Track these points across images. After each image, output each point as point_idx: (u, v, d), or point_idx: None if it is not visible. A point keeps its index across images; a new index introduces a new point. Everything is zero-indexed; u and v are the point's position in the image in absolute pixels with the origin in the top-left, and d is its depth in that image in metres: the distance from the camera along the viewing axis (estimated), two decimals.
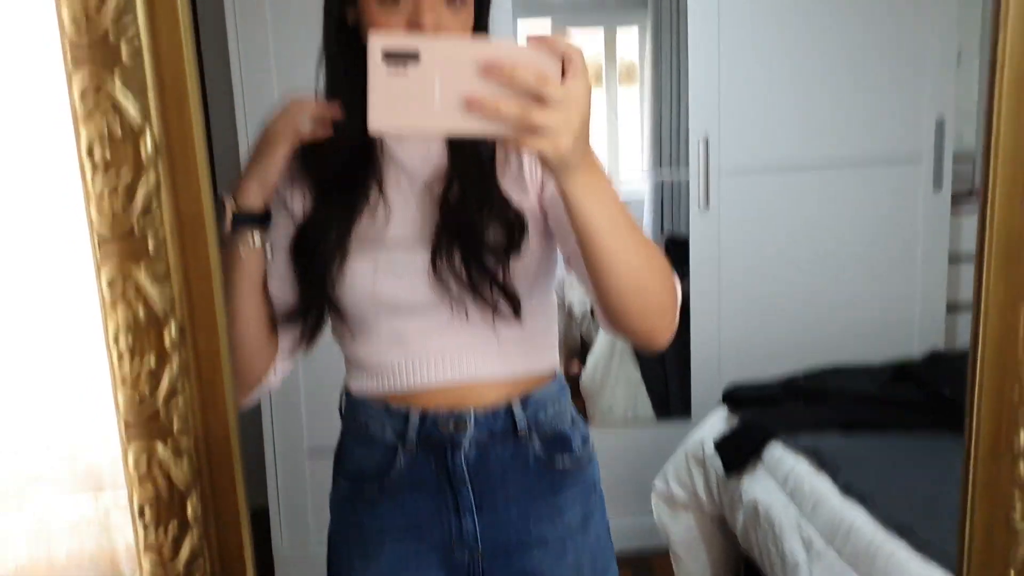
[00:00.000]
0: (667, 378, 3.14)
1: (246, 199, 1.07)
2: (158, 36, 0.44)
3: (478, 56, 0.77)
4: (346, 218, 1.12)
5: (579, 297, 3.54)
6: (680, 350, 2.93)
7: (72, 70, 0.44)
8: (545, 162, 0.83)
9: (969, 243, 2.94)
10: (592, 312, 3.39)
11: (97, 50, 0.44)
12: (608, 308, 1.00)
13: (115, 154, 0.47)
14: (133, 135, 0.46)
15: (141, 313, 0.49)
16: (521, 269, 1.11)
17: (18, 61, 0.46)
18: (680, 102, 3.14)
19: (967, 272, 2.94)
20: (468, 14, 1.05)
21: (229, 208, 1.06)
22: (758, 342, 2.86)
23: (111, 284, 0.49)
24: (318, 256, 1.11)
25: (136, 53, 0.44)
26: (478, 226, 1.08)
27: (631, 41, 3.52)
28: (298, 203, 1.16)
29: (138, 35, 0.44)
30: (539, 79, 0.78)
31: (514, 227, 1.09)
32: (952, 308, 2.93)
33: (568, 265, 1.12)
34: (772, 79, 2.74)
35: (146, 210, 0.48)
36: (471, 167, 1.11)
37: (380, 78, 0.76)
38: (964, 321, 2.97)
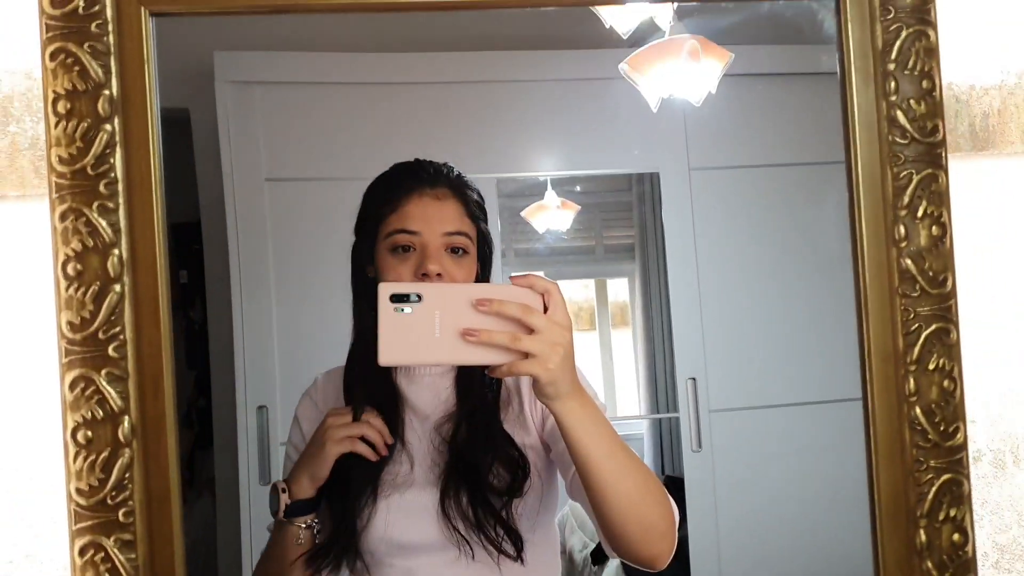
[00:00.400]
0: None
1: (300, 491, 1.15)
2: (141, 333, 0.52)
3: (471, 294, 0.89)
4: (376, 464, 1.19)
5: (579, 542, 3.48)
6: None
7: (65, 367, 0.52)
8: (538, 388, 0.92)
9: None
10: (593, 558, 3.33)
11: (88, 348, 0.52)
12: (609, 532, 1.05)
13: (96, 435, 0.53)
14: (113, 418, 0.53)
15: None
16: (524, 507, 1.17)
17: (17, 358, 0.53)
18: (670, 346, 3.24)
19: None
20: (471, 264, 1.21)
21: (283, 500, 1.15)
22: None
23: (83, 550, 0.54)
24: (349, 501, 1.17)
25: (121, 347, 0.52)
26: (484, 467, 1.14)
27: (622, 289, 3.67)
28: None
29: (124, 331, 0.52)
30: (523, 310, 0.90)
31: (517, 467, 1.17)
32: None
33: (571, 494, 1.17)
34: (753, 322, 2.84)
35: (120, 484, 0.54)
36: (477, 409, 1.19)
37: (388, 318, 0.88)
38: None
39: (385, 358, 0.88)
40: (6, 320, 0.55)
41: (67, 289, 0.51)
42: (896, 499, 0.57)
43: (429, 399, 1.24)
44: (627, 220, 3.67)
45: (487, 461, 1.18)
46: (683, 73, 1.92)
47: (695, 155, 2.85)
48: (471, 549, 1.17)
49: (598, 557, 3.35)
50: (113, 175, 0.51)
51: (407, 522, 1.17)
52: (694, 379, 2.84)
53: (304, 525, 1.16)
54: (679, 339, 2.86)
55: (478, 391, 1.23)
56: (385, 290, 0.90)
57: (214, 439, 3.24)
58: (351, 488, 1.18)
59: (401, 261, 1.20)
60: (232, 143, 2.57)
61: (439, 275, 1.16)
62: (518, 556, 1.18)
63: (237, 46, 2.60)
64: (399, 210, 1.22)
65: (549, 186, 3.39)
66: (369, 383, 1.23)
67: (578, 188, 3.42)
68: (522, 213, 3.55)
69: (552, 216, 3.47)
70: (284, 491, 1.17)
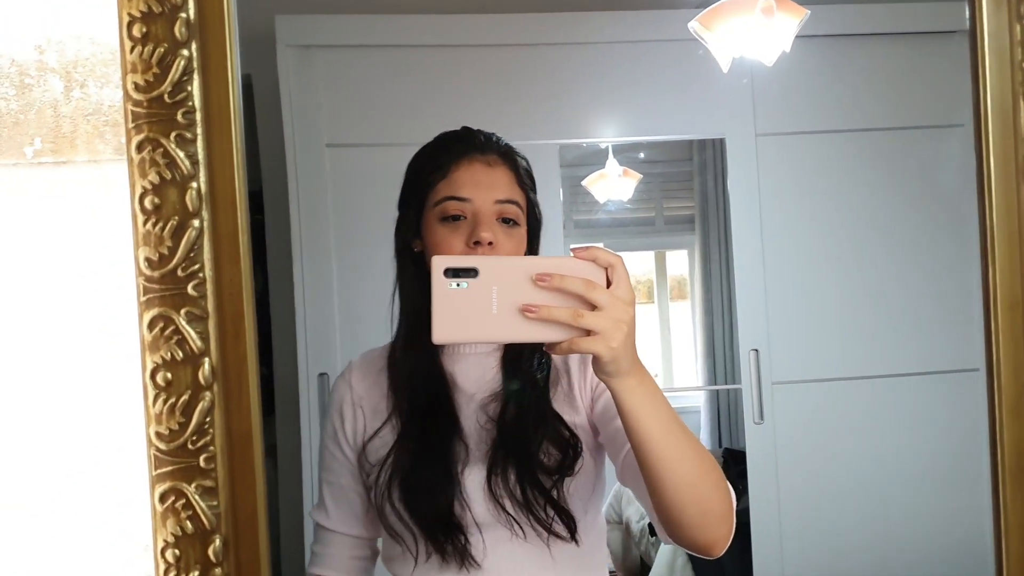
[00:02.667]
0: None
1: None
2: (221, 271, 0.50)
3: (530, 268, 0.84)
4: (437, 445, 1.15)
5: (636, 513, 3.46)
6: (743, 570, 2.81)
7: (144, 306, 0.50)
8: (598, 366, 0.87)
9: None
10: (651, 529, 3.31)
11: (167, 286, 0.50)
12: (665, 518, 0.99)
13: (176, 377, 0.52)
14: (193, 360, 0.51)
15: (189, 526, 0.53)
16: (575, 488, 1.13)
17: (93, 296, 0.52)
18: (732, 318, 3.19)
19: None
20: (521, 235, 1.15)
21: None
22: (823, 564, 2.74)
23: (163, 497, 0.52)
24: (411, 482, 1.14)
25: (200, 285, 0.50)
26: (533, 445, 1.11)
27: (681, 261, 3.63)
28: (360, 429, 1.22)
29: (203, 269, 0.50)
30: (586, 285, 0.84)
31: (568, 446, 1.12)
32: None
33: (623, 479, 1.13)
34: (818, 293, 2.78)
35: (200, 428, 0.52)
36: (526, 387, 1.15)
37: (442, 294, 0.82)
38: None
39: (440, 335, 0.82)
40: (84, 260, 0.54)
41: (144, 224, 0.50)
42: (1020, 458, 0.53)
43: (475, 378, 1.19)
44: (688, 190, 3.61)
45: (536, 439, 1.12)
46: (756, 30, 1.85)
47: (762, 120, 2.78)
48: (522, 530, 1.11)
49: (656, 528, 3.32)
50: (191, 104, 0.49)
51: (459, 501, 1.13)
52: (757, 351, 2.79)
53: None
54: (742, 310, 2.81)
55: (526, 368, 1.18)
56: (439, 264, 0.83)
57: (275, 406, 3.29)
58: (425, 476, 1.15)
59: (452, 231, 1.11)
60: (293, 109, 2.57)
61: (491, 244, 1.11)
62: (572, 536, 1.12)
63: (298, 10, 2.59)
64: (449, 176, 1.14)
65: (610, 154, 3.35)
66: (412, 363, 1.19)
67: (642, 155, 3.37)
68: (583, 182, 3.52)
69: (613, 185, 3.42)
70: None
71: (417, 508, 1.12)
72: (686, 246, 3.55)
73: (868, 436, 2.77)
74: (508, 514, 1.11)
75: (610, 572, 2.31)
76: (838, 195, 2.78)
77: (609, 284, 0.86)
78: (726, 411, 3.53)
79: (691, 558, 2.85)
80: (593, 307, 0.84)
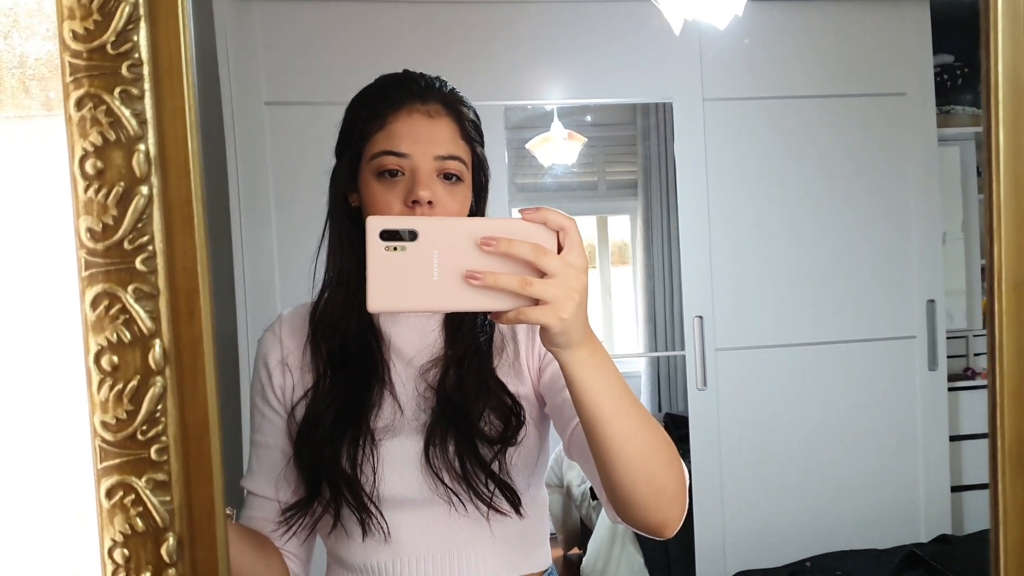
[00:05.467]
0: (671, 564, 3.03)
1: None
2: (173, 243, 0.45)
3: (475, 231, 0.78)
4: (360, 410, 1.08)
5: (578, 476, 3.48)
6: (684, 535, 2.85)
7: (86, 282, 0.45)
8: (547, 337, 0.81)
9: (969, 422, 2.92)
10: (592, 493, 3.32)
11: (113, 260, 0.45)
12: (614, 497, 0.93)
13: (123, 360, 0.47)
14: (142, 342, 0.46)
15: (140, 524, 0.48)
16: (518, 460, 1.06)
17: (31, 269, 0.47)
18: (673, 284, 3.20)
19: (969, 451, 2.91)
20: (465, 193, 1.07)
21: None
22: (763, 525, 2.79)
23: (109, 492, 0.47)
24: (327, 448, 1.06)
25: (150, 259, 0.45)
26: (474, 414, 1.05)
27: (623, 226, 3.62)
28: (288, 386, 1.13)
29: (153, 241, 0.45)
30: (536, 251, 0.77)
31: (511, 415, 1.06)
32: (956, 488, 2.88)
33: (569, 453, 1.08)
34: (762, 260, 2.80)
35: (151, 417, 0.47)
36: (468, 353, 1.08)
37: (378, 258, 0.75)
38: (970, 501, 2.92)
39: (375, 304, 0.76)
40: (15, 228, 0.48)
41: (86, 190, 0.44)
42: (1022, 444, 0.52)
43: (415, 341, 1.11)
44: (631, 155, 3.60)
45: (477, 407, 1.04)
46: None
47: (710, 85, 2.77)
48: (462, 504, 1.04)
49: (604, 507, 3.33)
50: (137, 55, 0.44)
51: (392, 473, 1.05)
52: (701, 317, 2.80)
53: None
54: (687, 277, 2.81)
55: (468, 333, 1.11)
56: (375, 225, 0.76)
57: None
58: (339, 432, 1.07)
59: (388, 188, 1.03)
60: (231, 65, 2.48)
61: (430, 203, 1.02)
62: (516, 511, 1.06)
63: None
64: (386, 127, 1.04)
65: (556, 116, 3.31)
66: (344, 321, 1.11)
67: (588, 118, 3.34)
68: (527, 145, 3.47)
69: (558, 149, 3.39)
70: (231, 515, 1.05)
71: (336, 477, 1.05)
72: (628, 211, 3.54)
73: (808, 401, 2.81)
74: (446, 486, 1.04)
75: (551, 535, 2.30)
76: (784, 162, 2.79)
77: (560, 249, 0.80)
78: (667, 376, 3.55)
79: None
80: (543, 274, 0.78)
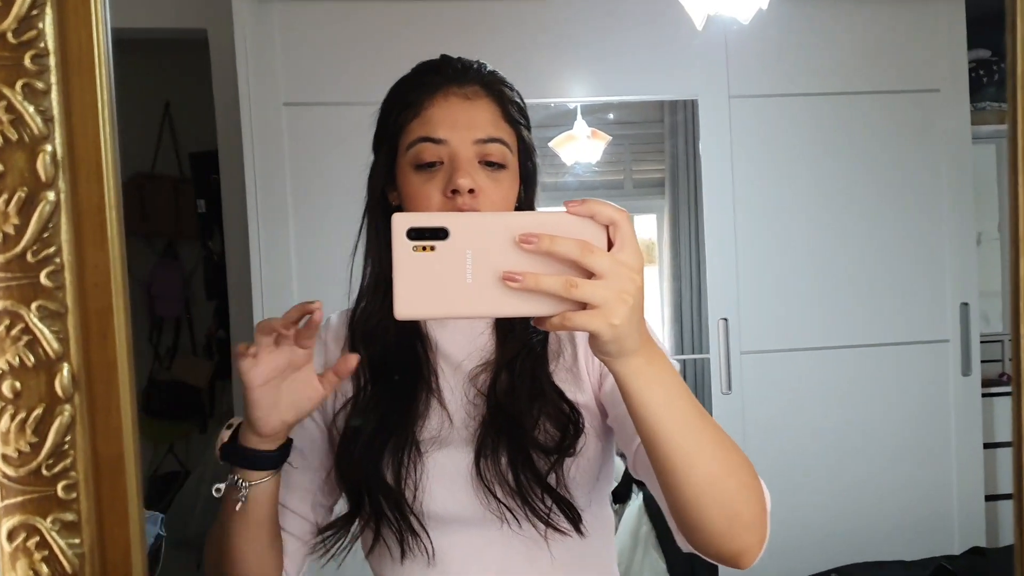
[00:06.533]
0: (694, 572, 2.97)
1: (244, 436, 0.93)
2: (83, 256, 0.40)
3: (512, 227, 0.69)
4: (404, 420, 0.99)
5: None
6: None
7: None
8: (597, 344, 0.71)
9: (1005, 429, 2.83)
10: (613, 496, 3.26)
11: (14, 273, 0.40)
12: (683, 524, 0.82)
13: (26, 386, 0.42)
14: (48, 366, 0.42)
15: (45, 569, 0.43)
16: (577, 473, 0.97)
17: None
18: (701, 284, 3.14)
19: (1004, 459, 2.82)
20: (511, 181, 0.99)
21: (221, 435, 0.94)
22: (788, 534, 2.71)
23: (11, 534, 0.43)
24: (368, 460, 0.97)
25: (57, 273, 0.40)
26: (527, 421, 0.95)
27: (650, 225, 3.56)
28: (329, 397, 1.01)
29: (60, 253, 0.40)
30: (582, 248, 0.68)
31: (568, 423, 0.96)
32: (991, 497, 2.79)
33: (635, 470, 0.95)
34: (789, 261, 2.73)
35: (57, 450, 0.42)
36: (520, 356, 0.99)
37: (405, 260, 0.68)
38: (1005, 511, 2.82)
39: (403, 310, 0.69)
40: None
41: None
42: None
43: (463, 344, 1.02)
44: (658, 152, 3.53)
45: (531, 414, 0.95)
46: None
47: (736, 82, 2.69)
48: (517, 521, 0.95)
49: (620, 495, 3.29)
50: (42, 45, 0.39)
51: (439, 487, 0.96)
52: (726, 319, 2.74)
53: (240, 481, 0.92)
54: (712, 278, 2.74)
55: (521, 335, 0.99)
56: (401, 223, 0.69)
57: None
58: (381, 443, 0.97)
59: (427, 179, 0.95)
60: (250, 65, 2.46)
61: (471, 192, 0.93)
62: (576, 528, 0.95)
63: None
64: (422, 114, 0.97)
65: (579, 114, 3.25)
66: (384, 328, 1.03)
67: (611, 116, 3.27)
68: (550, 144, 3.41)
69: (581, 147, 3.33)
70: (229, 427, 0.94)
71: (376, 490, 0.96)
72: (655, 210, 3.47)
73: (836, 407, 2.73)
74: (499, 501, 0.95)
75: None
76: (813, 160, 2.71)
77: (611, 246, 0.70)
78: (691, 380, 3.48)
79: (655, 524, 2.81)
80: (591, 274, 0.68)
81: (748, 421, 2.74)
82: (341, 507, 1.06)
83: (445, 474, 0.97)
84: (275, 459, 0.93)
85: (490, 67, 1.04)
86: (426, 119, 0.98)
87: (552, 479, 0.95)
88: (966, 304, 2.74)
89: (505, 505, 0.95)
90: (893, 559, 2.44)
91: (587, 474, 0.98)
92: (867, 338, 2.75)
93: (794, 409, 2.74)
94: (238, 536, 0.95)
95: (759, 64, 2.69)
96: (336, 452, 1.02)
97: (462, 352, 1.03)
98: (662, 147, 3.46)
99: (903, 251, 2.75)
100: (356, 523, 1.02)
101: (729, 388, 2.74)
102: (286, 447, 0.94)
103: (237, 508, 0.93)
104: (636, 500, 2.98)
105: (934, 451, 2.77)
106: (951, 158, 2.73)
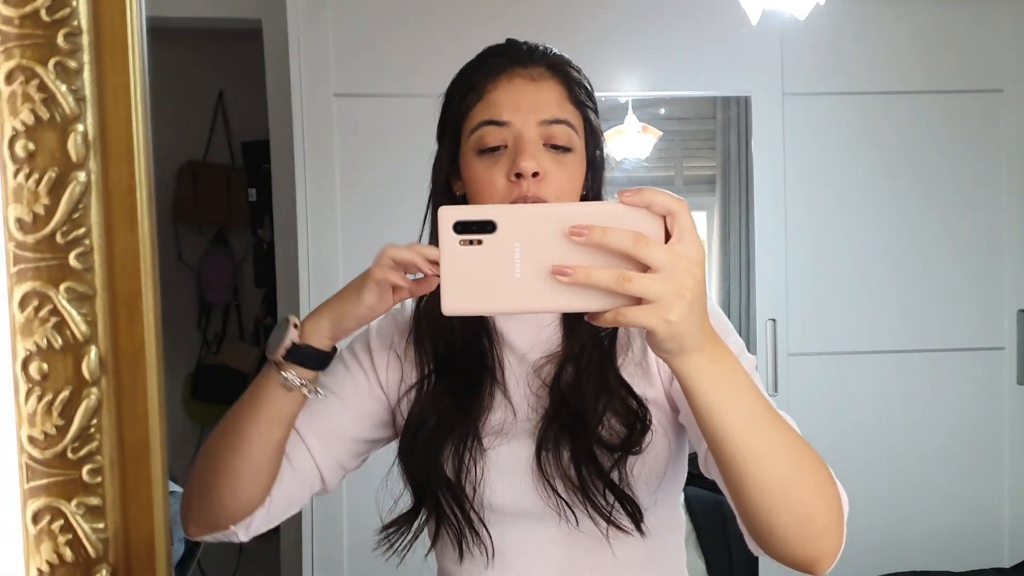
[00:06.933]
0: (733, 571, 2.94)
1: (313, 333, 0.91)
2: (112, 238, 0.40)
3: (563, 219, 0.66)
4: (467, 412, 0.97)
5: None
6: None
7: (15, 279, 0.40)
8: (654, 342, 0.68)
9: None
10: None
11: (44, 254, 0.40)
12: (753, 527, 0.79)
13: (53, 369, 0.42)
14: (75, 349, 0.41)
15: (68, 553, 0.43)
16: (644, 471, 0.94)
17: None
18: (750, 284, 3.10)
19: None
20: (577, 165, 0.96)
21: (290, 335, 0.90)
22: None
23: (36, 516, 0.42)
24: (428, 451, 0.96)
25: (86, 254, 0.40)
26: (592, 417, 0.93)
27: (699, 223, 3.51)
28: (393, 374, 1.04)
29: (90, 235, 0.39)
30: (636, 240, 0.65)
31: (636, 419, 0.93)
32: None
33: (706, 470, 0.91)
34: (840, 262, 2.67)
35: (83, 433, 0.42)
36: (587, 349, 0.96)
37: (453, 253, 0.66)
38: None
39: (450, 306, 0.67)
40: None
41: (16, 175, 0.40)
42: None
43: (529, 336, 0.99)
44: (710, 149, 3.48)
45: (596, 409, 0.92)
46: None
47: (790, 79, 2.64)
48: (575, 517, 0.93)
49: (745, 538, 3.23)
50: (76, 23, 0.39)
51: (500, 480, 0.94)
52: (774, 320, 2.69)
53: (300, 382, 0.90)
54: (760, 278, 2.70)
55: (588, 327, 0.87)
56: (447, 217, 0.67)
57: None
58: (443, 434, 0.96)
59: (491, 164, 0.92)
60: (302, 56, 2.47)
61: (536, 175, 0.90)
62: (637, 528, 0.92)
63: None
64: (486, 97, 0.94)
65: (630, 109, 3.21)
66: (449, 321, 0.96)
67: (662, 111, 3.23)
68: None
69: (632, 142, 3.29)
70: (296, 326, 0.91)
71: (436, 482, 0.95)
72: (705, 208, 3.43)
73: (886, 412, 2.67)
74: (560, 497, 0.92)
75: None
76: (866, 161, 2.65)
77: (668, 237, 0.67)
78: None
79: (694, 523, 2.78)
80: (646, 268, 0.65)
81: (795, 423, 2.69)
82: (404, 502, 1.04)
83: (506, 466, 0.96)
84: (330, 358, 0.95)
85: (556, 50, 1.02)
86: (490, 102, 0.95)
87: (615, 476, 0.92)
88: (1023, 311, 2.67)
89: (565, 501, 0.93)
90: (941, 570, 2.38)
91: (653, 472, 0.95)
92: (919, 343, 2.69)
93: (841, 413, 2.69)
94: (255, 429, 0.93)
95: (814, 61, 2.64)
96: (399, 440, 1.01)
97: (527, 343, 1.00)
98: (713, 144, 3.40)
99: (958, 255, 2.68)
100: (420, 518, 1.01)
101: (776, 390, 2.70)
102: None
103: (279, 398, 0.92)
104: None
105: (986, 460, 2.70)
106: (1013, 160, 2.65)
